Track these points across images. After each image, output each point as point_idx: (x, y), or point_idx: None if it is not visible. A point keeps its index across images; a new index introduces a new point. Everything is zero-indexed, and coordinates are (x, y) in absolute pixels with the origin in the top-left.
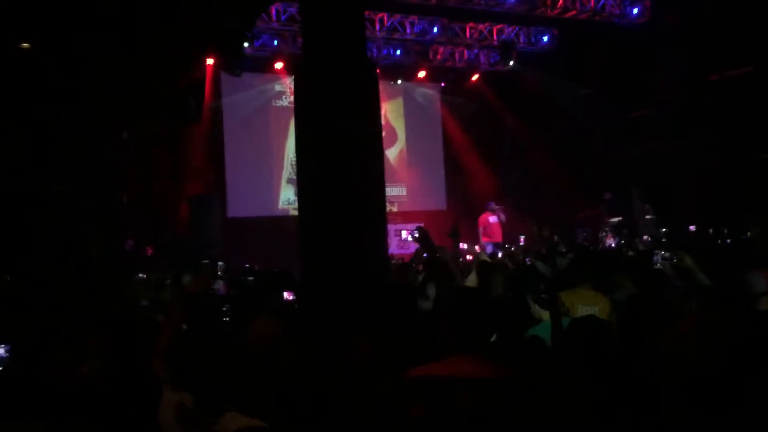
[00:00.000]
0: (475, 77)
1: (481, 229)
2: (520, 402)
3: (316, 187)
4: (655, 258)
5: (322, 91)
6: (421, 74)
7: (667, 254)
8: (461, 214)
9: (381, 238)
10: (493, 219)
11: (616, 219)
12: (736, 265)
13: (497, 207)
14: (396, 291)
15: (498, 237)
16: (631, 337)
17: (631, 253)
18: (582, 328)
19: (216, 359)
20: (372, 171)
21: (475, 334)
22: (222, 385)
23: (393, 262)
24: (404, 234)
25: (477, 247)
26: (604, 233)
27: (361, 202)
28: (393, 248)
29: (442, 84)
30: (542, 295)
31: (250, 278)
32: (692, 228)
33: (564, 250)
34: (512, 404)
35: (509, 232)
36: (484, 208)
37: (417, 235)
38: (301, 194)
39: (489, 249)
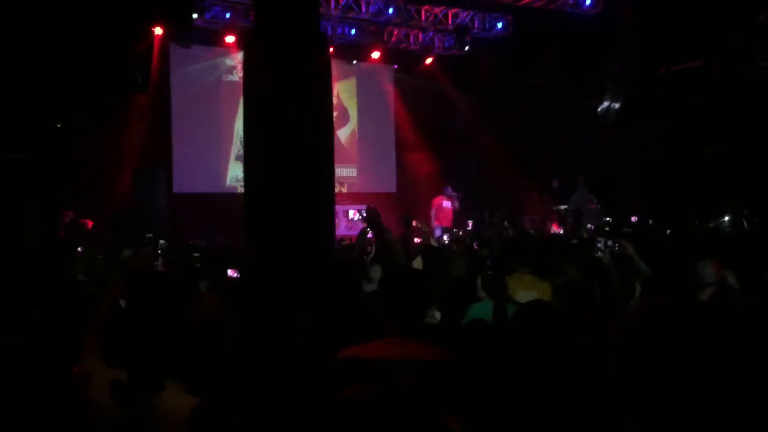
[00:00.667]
0: (429, 60)
1: (433, 212)
2: (453, 387)
3: (263, 164)
4: (599, 245)
5: (272, 64)
6: (375, 55)
7: (610, 242)
8: (410, 197)
9: (328, 217)
10: (446, 204)
11: (562, 207)
12: (677, 255)
13: (453, 193)
14: (340, 272)
15: (448, 222)
16: (570, 321)
17: (575, 240)
18: (528, 313)
19: (153, 335)
20: (321, 148)
21: (407, 315)
22: (159, 362)
23: (343, 243)
24: (351, 213)
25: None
26: (549, 221)
27: (309, 179)
28: (341, 229)
29: (396, 66)
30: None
31: (195, 255)
32: (634, 219)
33: (511, 236)
34: (445, 389)
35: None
36: (439, 192)
37: (365, 215)
38: (247, 171)
39: (437, 233)
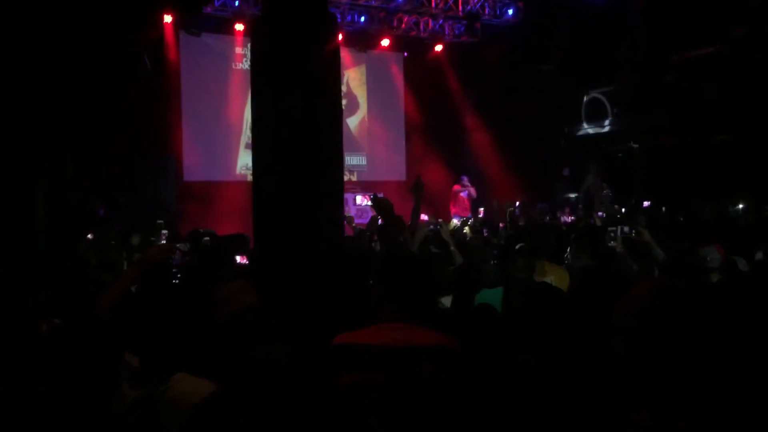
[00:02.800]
0: (438, 48)
1: (451, 200)
2: (457, 372)
3: (271, 150)
4: (614, 232)
5: (279, 46)
6: (385, 43)
7: (626, 229)
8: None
9: (336, 206)
10: (463, 193)
11: (573, 195)
12: (690, 241)
13: (468, 183)
14: (350, 259)
15: (465, 211)
16: (585, 306)
17: (586, 228)
18: (535, 295)
19: (167, 321)
20: (330, 134)
21: (405, 300)
22: (172, 348)
23: (355, 226)
24: (359, 199)
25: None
26: (560, 209)
27: (317, 166)
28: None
29: (405, 54)
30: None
31: (206, 239)
32: (646, 204)
33: (521, 224)
34: (447, 374)
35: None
36: (456, 181)
37: (373, 201)
38: (255, 158)
39: (455, 222)
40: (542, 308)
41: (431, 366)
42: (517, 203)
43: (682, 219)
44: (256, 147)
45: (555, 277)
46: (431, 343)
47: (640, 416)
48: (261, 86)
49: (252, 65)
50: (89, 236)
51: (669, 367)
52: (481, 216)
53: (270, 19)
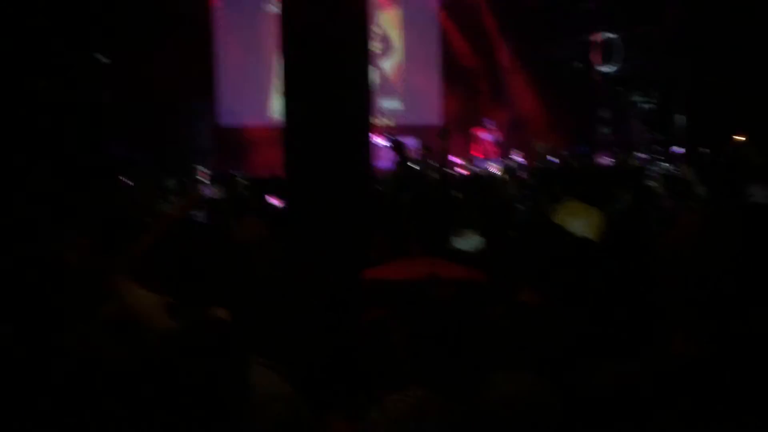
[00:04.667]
0: None
1: (471, 144)
2: (476, 300)
3: (300, 92)
4: (656, 169)
5: None
6: None
7: (669, 166)
8: (456, 129)
9: (365, 150)
10: (485, 136)
11: (613, 137)
12: (735, 179)
13: (493, 126)
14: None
15: (489, 154)
16: (625, 244)
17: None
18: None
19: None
20: (358, 76)
21: (433, 235)
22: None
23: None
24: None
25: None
26: (601, 151)
27: (348, 107)
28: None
29: None
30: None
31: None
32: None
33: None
34: (474, 308)
35: (505, 147)
36: (479, 123)
37: (391, 141)
38: (286, 103)
39: (477, 163)
40: (545, 248)
41: (450, 293)
42: (553, 147)
43: (725, 159)
44: (286, 91)
45: (586, 218)
46: (456, 276)
47: (678, 348)
48: (290, 30)
49: (282, 9)
50: (124, 179)
51: (719, 292)
52: (519, 159)
53: None
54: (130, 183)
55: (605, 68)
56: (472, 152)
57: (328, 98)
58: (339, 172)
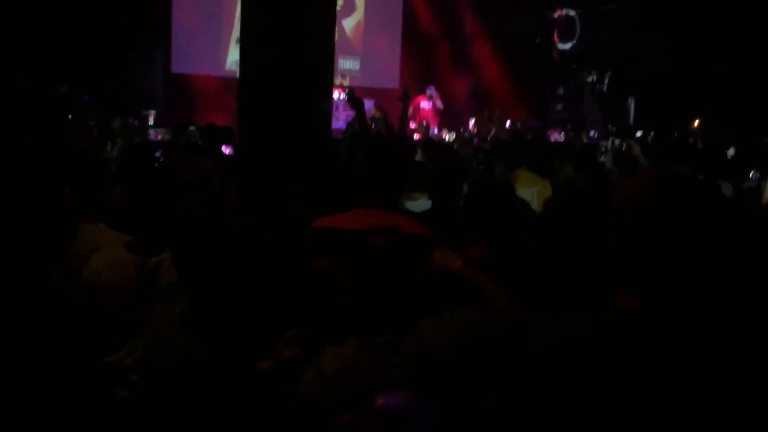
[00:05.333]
0: None
1: (411, 111)
2: (408, 249)
3: (259, 43)
4: (605, 147)
5: None
6: None
7: (617, 141)
8: (412, 93)
9: (324, 105)
10: (425, 104)
11: (565, 115)
12: (677, 164)
13: (436, 93)
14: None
15: (431, 122)
16: (568, 204)
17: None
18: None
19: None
20: (322, 24)
21: (386, 188)
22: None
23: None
24: (337, 94)
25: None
26: (553, 127)
27: (307, 65)
28: (340, 123)
29: None
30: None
31: (191, 128)
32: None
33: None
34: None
35: (455, 115)
36: (420, 91)
37: (348, 95)
38: (243, 54)
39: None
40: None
41: (383, 241)
42: (508, 122)
43: (671, 143)
44: (244, 42)
45: (538, 187)
46: (407, 230)
47: (623, 302)
48: None
49: None
50: (69, 117)
51: (666, 249)
52: (470, 127)
53: None
54: (72, 120)
55: (563, 45)
56: (411, 122)
57: (289, 46)
58: (297, 122)
